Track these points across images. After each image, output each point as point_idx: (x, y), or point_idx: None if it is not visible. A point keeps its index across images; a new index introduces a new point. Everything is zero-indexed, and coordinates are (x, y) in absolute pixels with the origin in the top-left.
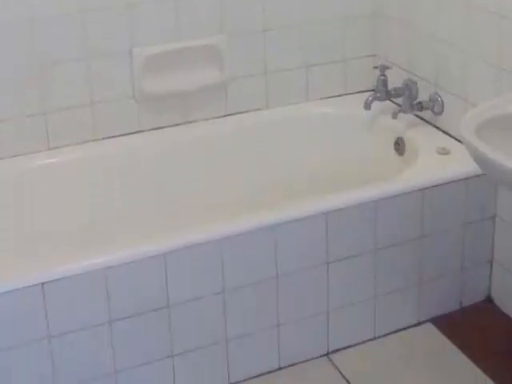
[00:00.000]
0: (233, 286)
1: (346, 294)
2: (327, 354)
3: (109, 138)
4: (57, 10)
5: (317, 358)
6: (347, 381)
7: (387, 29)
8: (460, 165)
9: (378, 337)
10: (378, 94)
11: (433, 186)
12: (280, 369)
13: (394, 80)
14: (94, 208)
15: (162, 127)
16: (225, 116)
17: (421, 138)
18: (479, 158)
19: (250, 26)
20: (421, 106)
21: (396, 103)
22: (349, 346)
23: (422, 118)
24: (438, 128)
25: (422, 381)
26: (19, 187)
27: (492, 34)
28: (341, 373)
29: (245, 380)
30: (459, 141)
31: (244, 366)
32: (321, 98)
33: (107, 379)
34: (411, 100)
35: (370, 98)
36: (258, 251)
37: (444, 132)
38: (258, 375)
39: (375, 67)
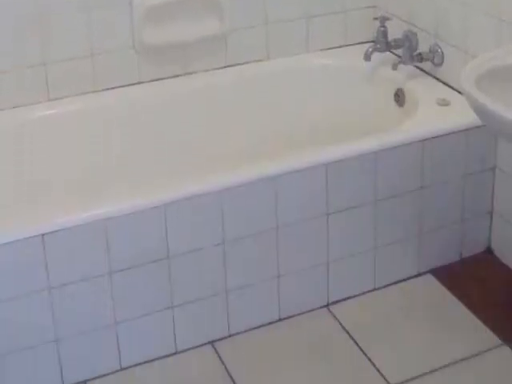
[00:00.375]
0: (233, 237)
1: (346, 245)
2: (327, 306)
3: (109, 89)
4: None
5: (317, 309)
6: (347, 332)
7: None
8: (460, 116)
9: (378, 288)
10: (378, 45)
11: (433, 137)
12: (280, 320)
13: (394, 31)
14: (94, 159)
15: (162, 78)
16: (225, 67)
17: (421, 89)
18: (479, 109)
19: None
20: (421, 58)
21: (396, 54)
22: (349, 298)
23: (422, 69)
24: (438, 79)
25: (422, 332)
26: (19, 138)
27: None
28: (341, 324)
29: (245, 331)
30: (459, 92)
31: (244, 317)
32: (321, 49)
33: (107, 330)
34: (411, 51)
35: (370, 49)
36: (258, 202)
37: (444, 83)
38: (259, 326)
39: (375, 18)
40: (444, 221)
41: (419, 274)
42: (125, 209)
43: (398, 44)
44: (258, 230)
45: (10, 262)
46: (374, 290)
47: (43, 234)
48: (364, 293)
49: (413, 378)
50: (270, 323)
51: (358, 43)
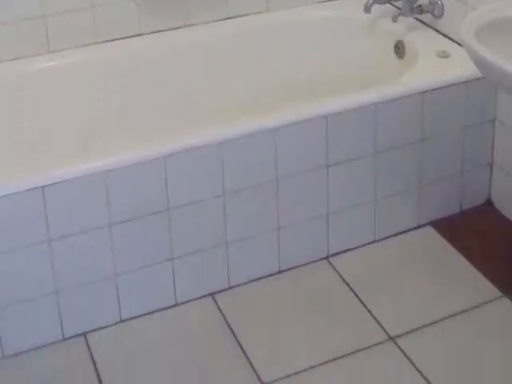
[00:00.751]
0: (233, 189)
1: (345, 198)
2: (327, 258)
3: (109, 41)
4: None
5: (317, 261)
6: (347, 284)
7: None
8: (460, 68)
9: (378, 240)
10: None
11: (433, 89)
12: (280, 272)
13: None
14: (94, 111)
15: (162, 30)
16: (225, 19)
17: (421, 41)
18: (479, 61)
19: None
20: (421, 9)
21: (396, 6)
22: (349, 250)
23: (421, 21)
24: (438, 31)
25: (422, 283)
26: (19, 91)
27: None
28: (341, 276)
29: (245, 283)
30: (459, 44)
31: (244, 269)
32: (320, 1)
33: (107, 282)
34: (411, 3)
35: (370, 1)
36: (257, 154)
37: (444, 35)
38: (258, 278)
39: None
40: (444, 173)
41: (419, 226)
42: (125, 161)
43: None
44: (257, 181)
45: (10, 214)
46: (374, 242)
47: (43, 186)
48: (364, 245)
49: (413, 330)
50: (269, 275)
51: None
